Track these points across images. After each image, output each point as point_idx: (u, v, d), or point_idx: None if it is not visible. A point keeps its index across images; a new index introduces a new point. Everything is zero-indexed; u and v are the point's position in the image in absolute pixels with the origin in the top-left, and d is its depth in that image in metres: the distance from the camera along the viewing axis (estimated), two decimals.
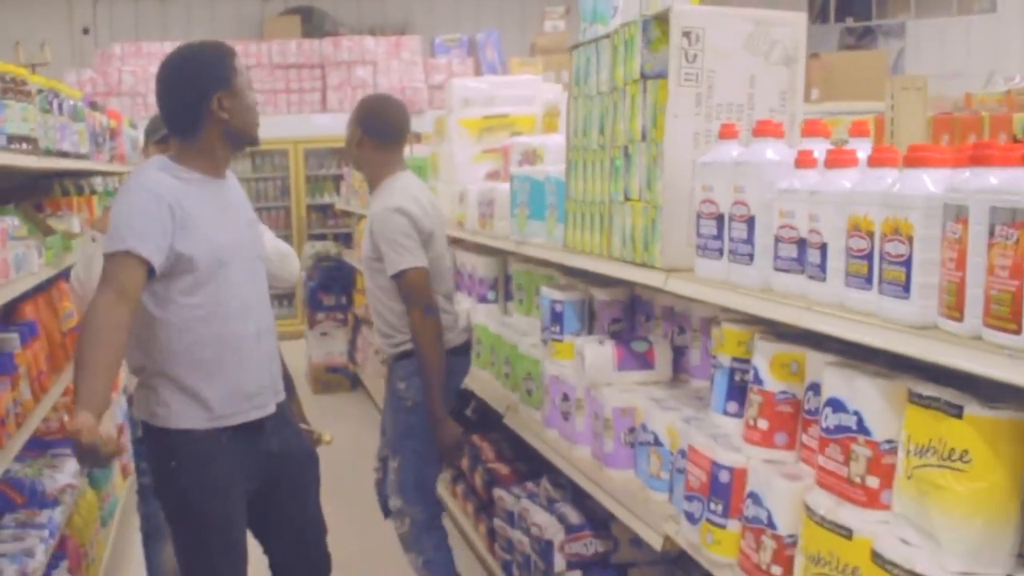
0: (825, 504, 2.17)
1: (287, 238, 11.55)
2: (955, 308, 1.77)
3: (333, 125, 10.34)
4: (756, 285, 2.41)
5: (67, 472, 4.51)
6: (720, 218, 2.53)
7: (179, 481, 3.06)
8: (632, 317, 3.77)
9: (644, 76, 2.87)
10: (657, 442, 3.04)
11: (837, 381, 2.19)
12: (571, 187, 3.44)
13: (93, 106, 5.82)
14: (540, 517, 3.99)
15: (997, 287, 1.67)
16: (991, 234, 1.68)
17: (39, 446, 4.65)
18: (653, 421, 3.07)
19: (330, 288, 9.40)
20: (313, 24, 13.92)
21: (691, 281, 2.68)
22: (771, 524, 2.35)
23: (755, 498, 2.42)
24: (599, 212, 3.21)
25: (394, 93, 11.68)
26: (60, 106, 4.49)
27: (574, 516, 3.91)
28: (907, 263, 1.89)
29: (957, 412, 1.86)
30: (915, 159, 1.93)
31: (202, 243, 2.95)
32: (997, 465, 1.83)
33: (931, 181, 1.88)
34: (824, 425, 2.21)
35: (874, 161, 2.05)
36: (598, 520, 3.84)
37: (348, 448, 5.95)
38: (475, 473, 5.18)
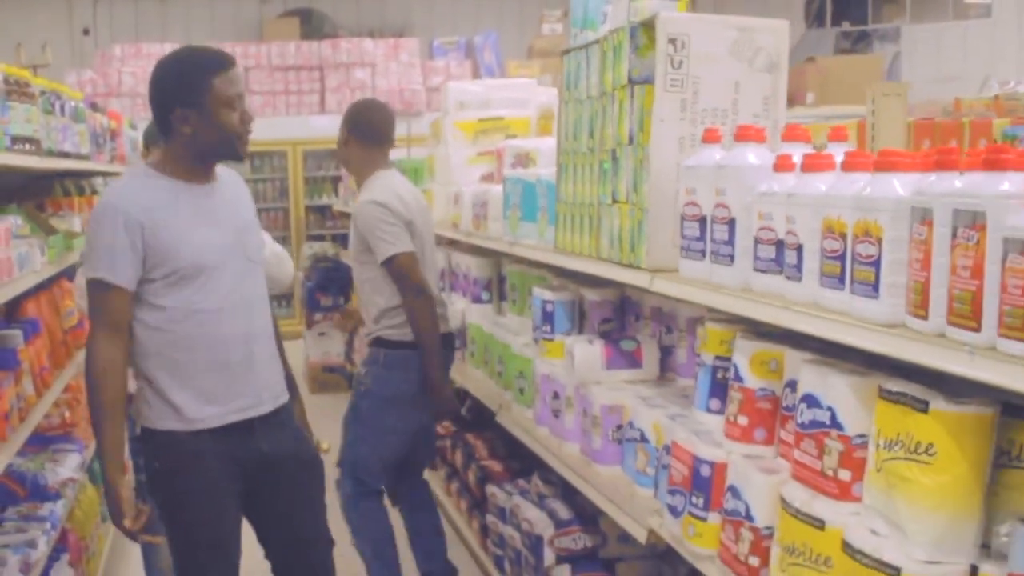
0: (800, 497, 2.25)
1: (285, 239, 11.65)
2: (921, 307, 1.85)
3: (332, 127, 10.32)
4: (737, 285, 2.48)
5: (68, 466, 4.59)
6: (703, 220, 2.61)
7: (164, 481, 3.11)
8: (622, 317, 3.85)
9: (631, 81, 2.95)
10: (643, 439, 3.11)
11: (812, 378, 2.27)
12: (561, 189, 3.52)
13: (94, 107, 5.90)
14: (531, 513, 4.07)
15: (959, 287, 1.74)
16: (954, 236, 1.76)
17: (41, 441, 4.72)
18: (640, 418, 3.15)
19: (328, 289, 9.46)
20: (312, 26, 13.97)
21: (675, 281, 2.75)
22: (749, 516, 2.43)
23: (734, 491, 2.50)
24: (588, 214, 3.28)
25: (392, 95, 11.84)
26: (62, 107, 4.58)
27: (564, 512, 3.99)
28: (876, 264, 1.96)
29: (923, 407, 1.94)
30: (885, 164, 2.00)
31: (175, 248, 2.96)
32: (961, 458, 1.91)
33: (900, 185, 1.95)
34: (799, 420, 2.29)
35: (847, 165, 2.13)
36: (587, 516, 3.92)
37: None
38: (468, 471, 5.25)
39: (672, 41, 2.80)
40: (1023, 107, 4.92)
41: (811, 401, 2.25)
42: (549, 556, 3.88)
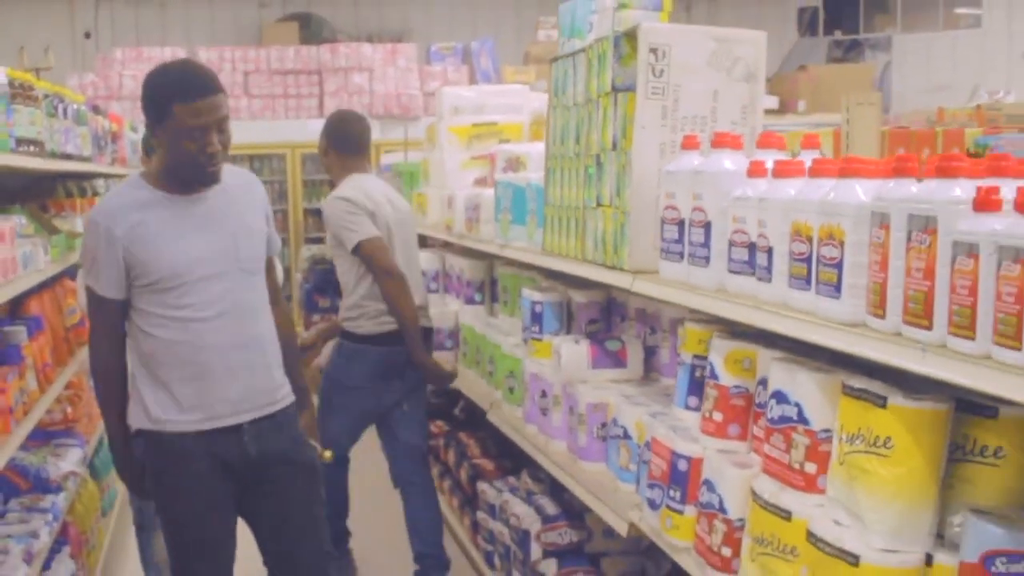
0: (769, 489, 2.35)
1: (284, 241, 11.73)
2: (879, 307, 1.96)
3: None
4: (712, 286, 2.59)
5: (70, 460, 4.69)
6: (681, 223, 2.71)
7: (153, 479, 3.20)
8: (608, 318, 3.95)
9: (615, 89, 3.05)
10: (626, 436, 3.21)
11: (781, 375, 2.37)
12: (549, 193, 3.62)
13: (95, 110, 6.00)
14: (519, 508, 4.17)
15: (913, 287, 1.85)
16: (908, 239, 1.87)
17: (43, 436, 4.82)
18: (623, 416, 3.24)
19: (325, 291, 9.54)
20: (311, 31, 14.04)
21: (656, 282, 2.85)
22: (722, 509, 2.53)
23: (709, 485, 2.60)
24: (574, 217, 3.38)
25: (390, 100, 11.95)
26: (65, 110, 4.68)
27: (551, 507, 4.09)
28: (839, 265, 2.07)
29: (882, 402, 2.04)
30: (848, 170, 2.11)
31: (154, 259, 3.03)
32: (917, 451, 2.01)
33: (862, 191, 2.06)
34: (769, 416, 2.39)
35: (814, 172, 2.23)
36: (573, 511, 4.02)
37: None
38: (461, 468, 5.35)
39: (653, 51, 2.90)
40: (1003, 117, 5.03)
41: (780, 397, 2.35)
42: (536, 550, 3.99)
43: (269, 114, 12.19)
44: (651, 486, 2.87)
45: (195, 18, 14.59)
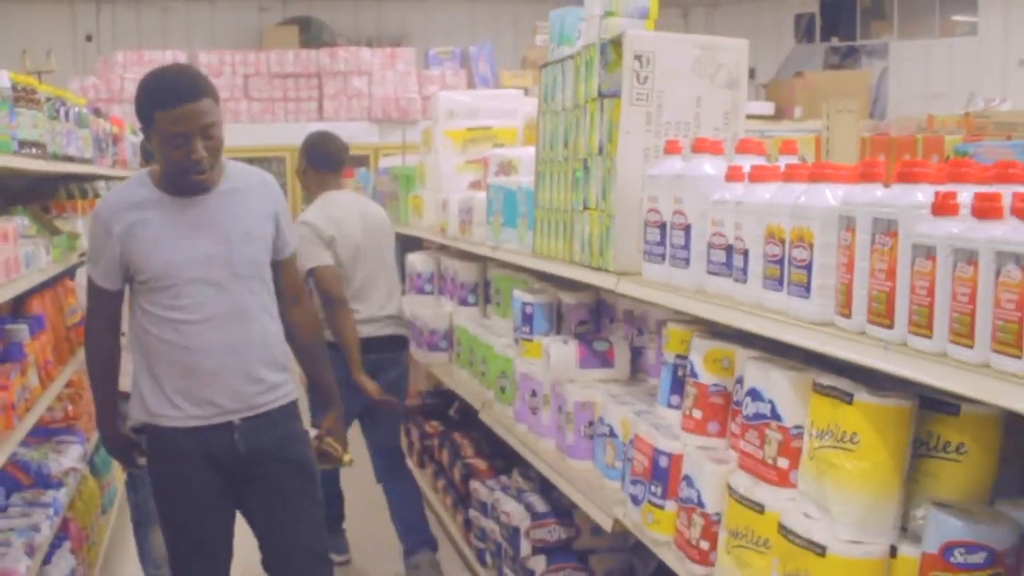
0: (744, 484, 2.43)
1: None
2: (846, 307, 2.04)
3: None
4: (692, 287, 2.67)
5: (70, 457, 4.76)
6: (663, 226, 2.79)
7: (149, 470, 3.30)
8: (597, 319, 4.03)
9: (601, 95, 3.13)
10: (612, 434, 3.29)
11: (756, 373, 2.45)
12: (539, 196, 3.70)
13: (97, 113, 6.08)
14: (509, 506, 4.25)
15: (876, 288, 1.93)
16: (872, 241, 1.95)
17: (44, 433, 4.90)
18: (609, 415, 3.32)
19: None
20: (311, 34, 14.13)
21: (639, 284, 2.93)
22: (701, 503, 2.61)
23: (688, 480, 2.68)
24: (563, 220, 3.46)
25: (388, 103, 12.04)
26: (66, 113, 4.75)
27: (540, 505, 4.16)
28: (808, 267, 2.15)
29: (848, 399, 2.12)
30: (819, 175, 2.19)
31: (146, 259, 3.09)
32: (882, 446, 2.09)
33: (831, 195, 2.14)
34: (745, 413, 2.47)
35: (787, 176, 2.31)
36: (562, 509, 4.09)
37: None
38: (454, 468, 5.43)
39: (638, 58, 2.98)
40: (992, 124, 5.10)
41: (755, 395, 2.44)
42: (525, 547, 4.06)
43: (269, 117, 12.29)
44: (634, 482, 2.95)
45: (196, 21, 14.68)
